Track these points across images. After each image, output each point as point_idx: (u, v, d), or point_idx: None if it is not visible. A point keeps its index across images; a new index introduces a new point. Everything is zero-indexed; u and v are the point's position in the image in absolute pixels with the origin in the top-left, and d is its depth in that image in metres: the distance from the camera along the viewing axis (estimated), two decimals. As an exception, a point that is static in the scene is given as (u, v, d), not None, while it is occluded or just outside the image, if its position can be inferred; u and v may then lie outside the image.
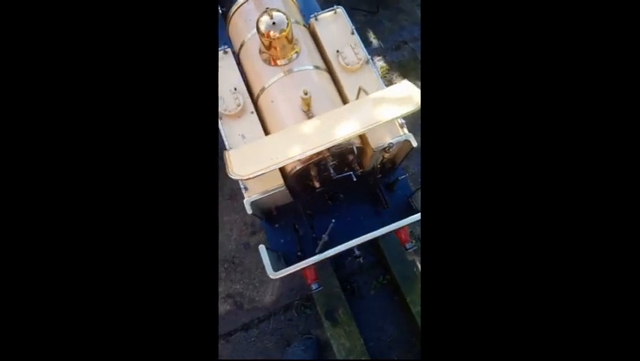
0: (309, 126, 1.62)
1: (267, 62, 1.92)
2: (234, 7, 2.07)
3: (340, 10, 2.10)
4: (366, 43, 3.25)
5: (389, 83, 3.06)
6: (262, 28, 1.76)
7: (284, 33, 1.77)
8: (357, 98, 1.83)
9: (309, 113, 1.79)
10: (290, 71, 1.91)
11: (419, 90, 1.64)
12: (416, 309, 2.44)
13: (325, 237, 1.78)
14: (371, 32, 3.42)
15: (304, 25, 2.12)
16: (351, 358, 2.38)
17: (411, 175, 2.78)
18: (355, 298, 2.61)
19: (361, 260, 1.98)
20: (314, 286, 2.02)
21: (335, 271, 2.62)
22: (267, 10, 1.76)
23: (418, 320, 2.43)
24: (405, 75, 3.17)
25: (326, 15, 2.10)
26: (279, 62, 1.92)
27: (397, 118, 1.61)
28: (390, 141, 1.83)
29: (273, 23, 1.73)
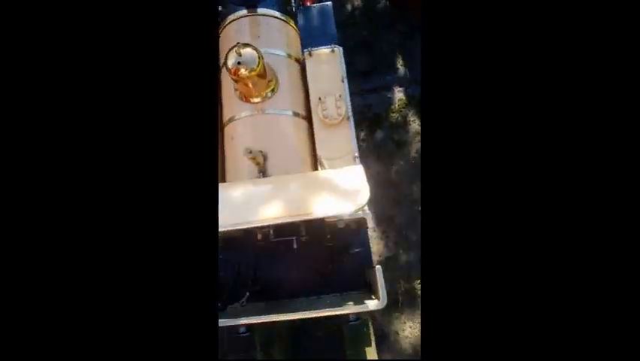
0: (254, 189, 1.47)
1: (240, 97, 1.77)
2: (226, 21, 1.90)
3: (337, 50, 1.89)
4: (392, 69, 2.99)
5: (403, 119, 2.82)
6: (229, 64, 1.59)
7: (253, 72, 1.60)
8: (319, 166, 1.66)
9: (261, 168, 1.64)
10: (262, 111, 1.75)
11: (367, 187, 1.46)
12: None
13: (244, 301, 1.66)
14: (400, 58, 3.14)
15: (300, 57, 1.92)
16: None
17: (396, 225, 2.59)
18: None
19: None
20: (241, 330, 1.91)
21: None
22: (236, 45, 1.58)
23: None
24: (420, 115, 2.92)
25: (321, 52, 1.90)
26: (251, 99, 1.75)
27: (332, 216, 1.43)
28: (339, 215, 1.65)
29: (239, 62, 1.56)
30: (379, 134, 2.77)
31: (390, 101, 2.82)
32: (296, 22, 2.04)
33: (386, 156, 2.73)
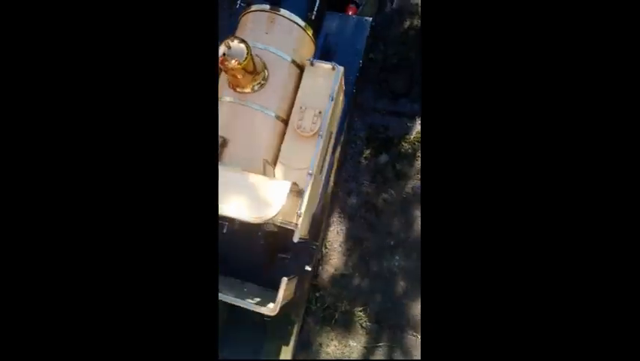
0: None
1: (228, 83, 1.88)
2: (250, 9, 2.00)
3: (337, 69, 1.93)
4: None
5: (412, 152, 2.77)
6: (220, 51, 1.70)
7: (239, 66, 1.70)
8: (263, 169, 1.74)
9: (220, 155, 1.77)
10: (243, 102, 1.86)
11: (282, 201, 1.52)
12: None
13: None
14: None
15: (301, 64, 1.98)
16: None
17: (363, 249, 2.60)
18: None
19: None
20: None
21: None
22: (231, 37, 1.69)
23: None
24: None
25: (322, 66, 1.94)
26: (237, 89, 1.87)
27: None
28: (268, 220, 1.73)
29: (223, 54, 1.67)
30: (383, 158, 2.76)
31: (407, 130, 2.79)
32: (316, 30, 2.09)
33: (382, 181, 2.73)
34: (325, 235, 2.67)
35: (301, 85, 1.92)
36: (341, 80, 1.96)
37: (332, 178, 2.63)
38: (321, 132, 1.85)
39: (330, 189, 2.63)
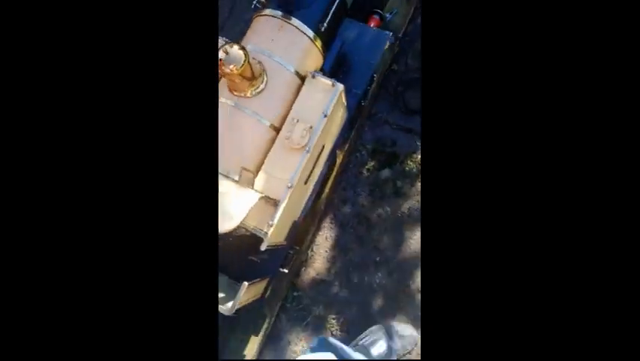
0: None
1: (227, 85, 1.92)
2: (263, 12, 2.01)
3: (337, 87, 1.91)
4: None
5: (417, 172, 2.73)
6: (219, 54, 1.74)
7: (236, 71, 1.73)
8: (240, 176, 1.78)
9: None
10: (238, 106, 1.90)
11: (242, 217, 1.56)
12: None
13: None
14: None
15: (305, 75, 1.98)
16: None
17: (347, 260, 2.63)
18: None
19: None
20: None
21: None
22: (233, 41, 1.72)
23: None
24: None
25: (322, 80, 1.94)
26: (235, 92, 1.90)
27: None
28: (240, 224, 1.79)
29: (221, 59, 1.70)
30: (385, 173, 2.74)
31: (415, 149, 2.74)
32: (329, 38, 2.07)
33: (379, 196, 2.72)
34: (314, 238, 2.71)
35: (299, 97, 1.93)
36: (340, 97, 1.95)
37: (329, 184, 2.65)
38: (307, 147, 1.86)
39: (325, 195, 2.66)
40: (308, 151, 1.87)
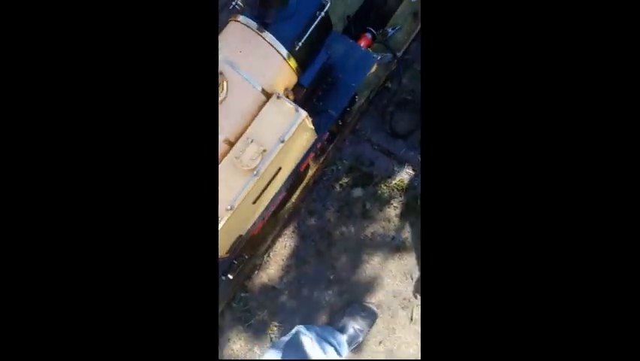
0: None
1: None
2: (237, 17, 1.89)
3: (299, 114, 1.82)
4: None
5: (388, 198, 2.65)
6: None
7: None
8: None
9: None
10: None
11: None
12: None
13: None
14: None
15: (269, 94, 1.88)
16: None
17: (303, 273, 2.62)
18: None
19: None
20: None
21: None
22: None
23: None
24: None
25: (285, 104, 1.84)
26: (194, 99, 1.83)
27: None
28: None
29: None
30: (357, 192, 2.67)
31: (391, 174, 2.64)
32: (303, 59, 1.95)
33: (347, 214, 2.66)
34: (273, 244, 2.69)
35: (258, 116, 1.84)
36: (303, 123, 1.86)
37: (297, 193, 2.60)
38: (256, 171, 1.80)
39: (292, 204, 2.62)
40: (256, 175, 1.81)
